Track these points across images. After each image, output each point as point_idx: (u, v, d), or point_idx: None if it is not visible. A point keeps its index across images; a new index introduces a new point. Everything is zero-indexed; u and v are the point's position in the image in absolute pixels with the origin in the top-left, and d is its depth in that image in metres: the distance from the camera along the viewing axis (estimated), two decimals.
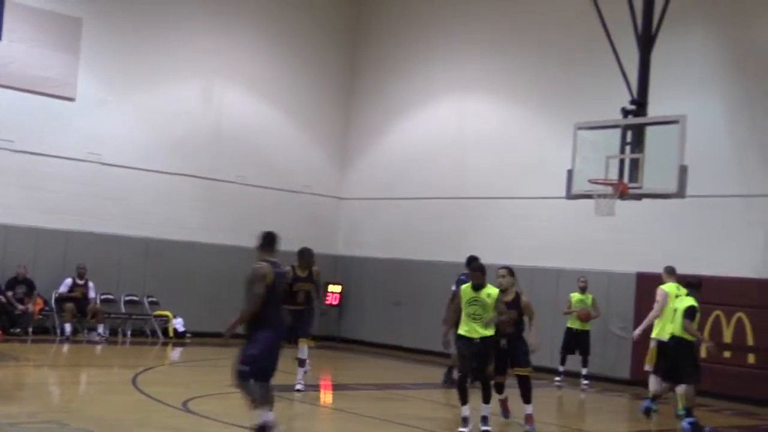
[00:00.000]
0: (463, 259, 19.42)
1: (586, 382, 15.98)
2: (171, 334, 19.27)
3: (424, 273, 20.22)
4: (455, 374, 12.03)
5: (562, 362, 16.24)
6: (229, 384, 10.68)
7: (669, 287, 13.27)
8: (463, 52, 20.65)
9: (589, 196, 14.22)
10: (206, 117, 20.55)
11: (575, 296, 16.24)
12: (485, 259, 18.93)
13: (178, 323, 19.42)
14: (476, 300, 10.01)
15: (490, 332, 10.01)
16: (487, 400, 10.17)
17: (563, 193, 14.84)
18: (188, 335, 19.36)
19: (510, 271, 10.82)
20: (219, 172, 20.55)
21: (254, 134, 21.25)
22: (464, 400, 9.93)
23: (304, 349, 12.80)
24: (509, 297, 10.57)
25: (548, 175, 17.35)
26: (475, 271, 10.26)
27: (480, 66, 20.33)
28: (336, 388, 14.72)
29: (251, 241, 22.69)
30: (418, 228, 20.82)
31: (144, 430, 9.24)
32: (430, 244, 20.40)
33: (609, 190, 13.90)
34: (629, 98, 14.65)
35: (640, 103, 14.54)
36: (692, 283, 12.23)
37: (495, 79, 20.05)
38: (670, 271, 13.65)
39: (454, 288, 13.87)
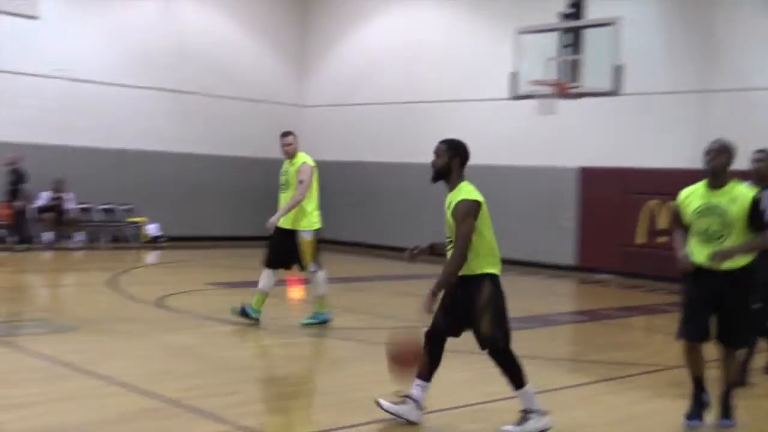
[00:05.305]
0: (416, 160, 19.85)
1: None
2: (146, 239, 19.50)
3: (381, 174, 20.56)
4: None
5: None
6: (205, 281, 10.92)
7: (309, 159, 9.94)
8: None
9: (531, 97, 14.48)
10: (169, 31, 20.33)
11: None
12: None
13: (153, 228, 19.64)
14: None
15: None
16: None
17: (508, 95, 15.10)
18: (163, 239, 19.60)
19: None
20: (185, 84, 20.46)
21: (215, 46, 21.05)
22: None
23: None
24: None
25: (493, 78, 17.50)
26: None
27: None
28: (306, 282, 15.04)
29: (218, 149, 22.73)
30: (375, 132, 21.04)
31: (123, 324, 9.55)
32: (386, 146, 20.65)
33: (550, 90, 14.17)
34: (567, 2, 14.80)
35: (577, 6, 14.70)
36: None
37: None
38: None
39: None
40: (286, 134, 9.86)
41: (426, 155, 17.38)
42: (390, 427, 5.84)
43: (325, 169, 21.61)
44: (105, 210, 19.43)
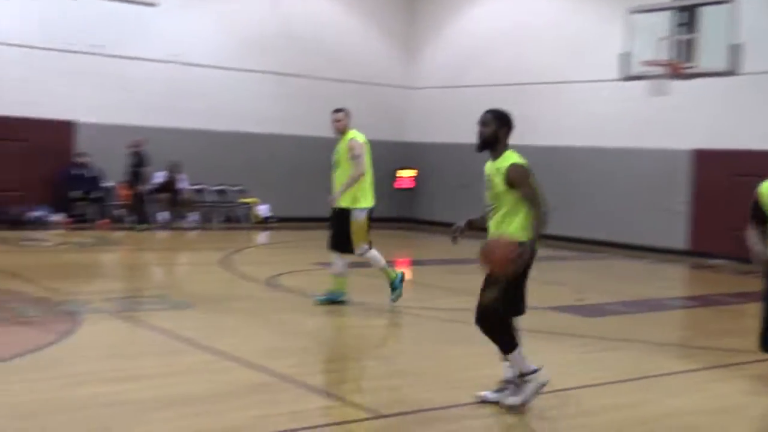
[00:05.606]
0: (523, 142, 19.69)
1: None
2: (257, 219, 20.00)
3: (489, 155, 20.47)
4: None
5: None
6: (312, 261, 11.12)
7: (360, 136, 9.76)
8: None
9: (643, 78, 14.23)
10: (278, 16, 20.76)
11: None
12: (547, 141, 19.35)
13: (263, 209, 20.14)
14: None
15: None
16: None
17: (618, 76, 14.89)
18: (273, 220, 20.06)
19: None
20: (292, 67, 20.88)
21: (322, 28, 21.34)
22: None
23: None
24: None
25: (603, 59, 17.23)
26: None
27: None
28: (409, 264, 15.27)
29: (324, 131, 22.92)
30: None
31: (236, 302, 9.89)
32: None
33: (662, 70, 13.90)
34: None
35: None
36: None
37: None
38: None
39: None
40: (337, 110, 9.65)
41: (535, 136, 17.29)
42: (496, 406, 5.92)
43: (434, 150, 22.09)
44: (217, 191, 20.05)
